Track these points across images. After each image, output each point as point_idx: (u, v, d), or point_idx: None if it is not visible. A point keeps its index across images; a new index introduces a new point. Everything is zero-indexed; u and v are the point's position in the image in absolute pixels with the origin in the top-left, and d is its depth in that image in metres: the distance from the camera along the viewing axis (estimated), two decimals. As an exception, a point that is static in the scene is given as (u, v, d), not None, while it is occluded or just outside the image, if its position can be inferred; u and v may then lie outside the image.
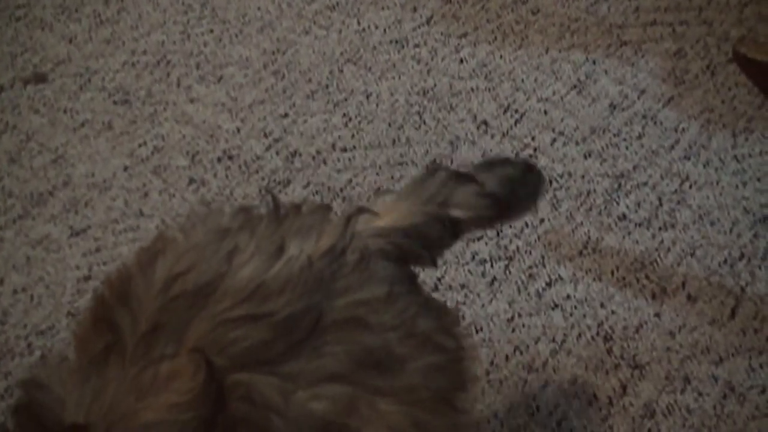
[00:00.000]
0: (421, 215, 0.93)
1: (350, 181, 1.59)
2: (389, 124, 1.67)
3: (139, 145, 1.67)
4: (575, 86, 1.72)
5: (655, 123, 1.65)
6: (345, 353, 0.81)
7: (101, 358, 0.78)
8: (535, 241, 1.48)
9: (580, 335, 1.37)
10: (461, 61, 1.78)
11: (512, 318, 1.39)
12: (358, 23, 1.86)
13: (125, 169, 1.64)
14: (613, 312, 1.39)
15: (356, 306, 0.84)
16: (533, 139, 1.63)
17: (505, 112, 1.68)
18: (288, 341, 0.80)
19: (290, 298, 0.81)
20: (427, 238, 0.93)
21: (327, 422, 0.80)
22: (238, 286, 0.81)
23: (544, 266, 1.45)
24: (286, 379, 0.79)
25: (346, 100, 1.72)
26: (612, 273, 1.44)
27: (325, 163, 1.62)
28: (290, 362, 0.80)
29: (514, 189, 0.99)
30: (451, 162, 1.61)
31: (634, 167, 1.58)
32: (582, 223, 1.51)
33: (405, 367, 0.85)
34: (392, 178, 1.59)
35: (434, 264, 0.95)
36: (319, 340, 0.81)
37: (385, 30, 1.84)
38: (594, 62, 1.76)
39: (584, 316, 1.39)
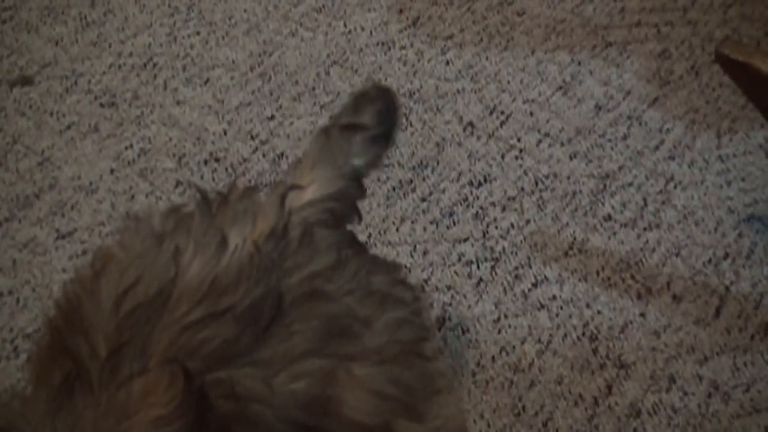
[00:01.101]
0: (341, 179, 0.97)
1: (337, 182, 1.59)
2: (376, 126, 1.68)
3: (126, 148, 1.67)
4: (561, 87, 1.72)
5: (640, 124, 1.66)
6: (312, 329, 0.82)
7: (65, 390, 0.77)
8: (521, 242, 1.49)
9: (566, 335, 1.37)
10: (447, 62, 1.78)
11: (498, 319, 1.40)
12: (345, 25, 1.87)
13: (112, 171, 1.64)
14: (598, 312, 1.40)
15: (311, 279, 0.84)
16: (519, 140, 1.64)
17: (491, 113, 1.69)
18: (255, 330, 0.80)
19: (247, 287, 0.81)
20: (350, 197, 0.98)
21: (310, 398, 0.81)
22: (192, 286, 0.80)
23: (530, 267, 1.46)
24: (263, 367, 0.79)
25: (332, 102, 1.73)
26: (597, 273, 1.45)
27: (311, 164, 1.62)
28: (262, 350, 0.80)
29: (388, 120, 1.05)
30: (438, 163, 1.61)
31: (620, 168, 1.59)
32: (568, 223, 1.51)
33: (371, 327, 0.86)
34: (378, 179, 1.59)
35: (360, 217, 1.00)
36: (284, 321, 0.81)
37: (371, 32, 1.85)
38: (579, 63, 1.76)
39: (570, 316, 1.39)
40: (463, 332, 1.38)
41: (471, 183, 1.58)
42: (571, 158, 1.61)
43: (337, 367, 0.82)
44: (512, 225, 1.52)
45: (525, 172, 1.59)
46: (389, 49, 1.82)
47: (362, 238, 1.45)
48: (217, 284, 0.80)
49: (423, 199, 1.56)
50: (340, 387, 0.82)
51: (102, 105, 1.75)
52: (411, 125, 1.68)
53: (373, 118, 1.03)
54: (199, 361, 0.77)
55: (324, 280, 0.85)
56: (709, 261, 1.45)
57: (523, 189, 1.57)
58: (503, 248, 1.48)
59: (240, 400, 0.78)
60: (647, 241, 1.48)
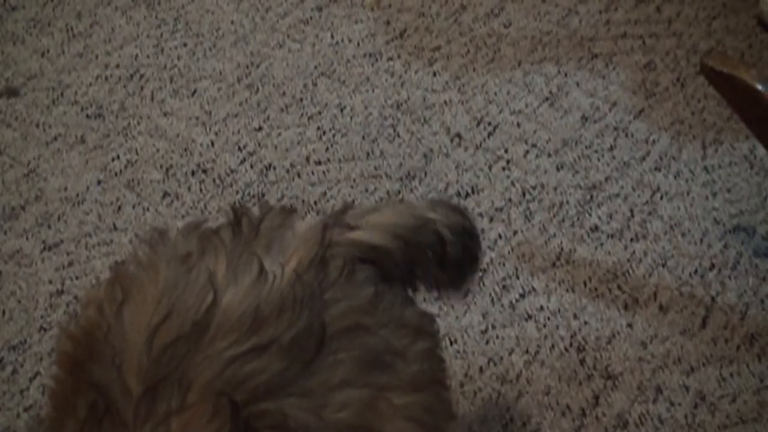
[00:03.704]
0: (404, 234, 0.93)
1: (324, 194, 1.59)
2: (363, 137, 1.68)
3: (113, 159, 1.67)
4: (547, 99, 1.73)
5: (626, 135, 1.67)
6: (352, 359, 0.81)
7: (92, 425, 0.74)
8: (509, 252, 1.49)
9: (553, 346, 1.38)
10: (434, 74, 1.79)
11: (486, 330, 1.40)
12: (332, 37, 1.87)
13: (98, 183, 1.63)
14: (585, 323, 1.40)
15: (352, 313, 0.84)
16: (506, 151, 1.65)
17: (478, 124, 1.70)
18: (301, 361, 0.78)
19: (290, 318, 0.79)
20: (406, 257, 0.93)
21: (354, 428, 0.80)
22: (232, 317, 0.78)
23: (517, 278, 1.46)
24: (310, 398, 0.78)
25: (320, 113, 1.73)
26: (585, 284, 1.45)
27: (299, 176, 1.62)
28: (307, 380, 0.79)
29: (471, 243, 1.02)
30: (425, 174, 1.61)
31: (606, 179, 1.60)
32: (555, 234, 1.52)
33: (404, 358, 0.86)
34: (366, 190, 1.59)
35: (414, 287, 0.95)
36: (327, 352, 0.80)
37: (358, 43, 1.85)
38: (566, 75, 1.77)
39: (557, 327, 1.40)
40: (451, 343, 1.38)
41: (458, 194, 1.58)
42: (558, 169, 1.62)
43: (377, 398, 0.82)
44: (500, 236, 1.52)
45: (512, 183, 1.60)
46: (376, 60, 1.82)
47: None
48: (260, 315, 0.78)
49: (410, 210, 1.56)
50: (381, 417, 0.82)
51: (88, 116, 1.75)
52: (398, 136, 1.68)
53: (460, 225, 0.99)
54: (245, 395, 0.75)
55: (365, 315, 0.84)
56: (696, 272, 1.46)
57: (510, 200, 1.57)
58: (491, 259, 1.49)
59: (287, 430, 0.76)
60: (634, 252, 1.49)
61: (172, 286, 0.79)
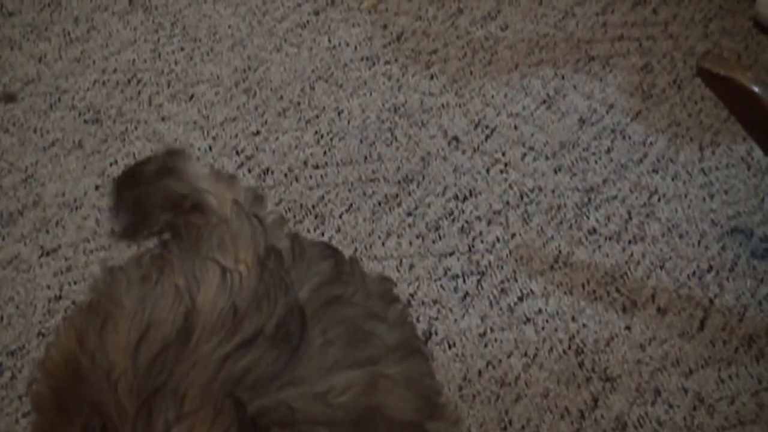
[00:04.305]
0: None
1: (322, 197, 1.59)
2: (361, 141, 1.68)
3: (110, 164, 1.67)
4: (545, 101, 1.73)
5: (623, 137, 1.67)
6: (338, 335, 0.81)
7: None
8: (507, 255, 1.49)
9: (551, 349, 1.38)
10: (432, 77, 1.79)
11: (485, 333, 1.40)
12: (329, 41, 1.87)
13: (96, 188, 1.63)
14: (584, 325, 1.40)
15: (323, 287, 0.84)
16: (504, 154, 1.65)
17: (475, 127, 1.70)
18: (289, 347, 0.78)
19: (269, 307, 0.79)
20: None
21: (358, 409, 0.80)
22: (212, 318, 0.78)
23: (515, 281, 1.46)
24: (310, 385, 0.78)
25: (317, 117, 1.73)
26: (583, 286, 1.45)
27: (297, 180, 1.62)
28: (301, 366, 0.78)
29: None
30: (423, 178, 1.61)
31: (604, 181, 1.60)
32: (553, 237, 1.52)
33: (386, 321, 0.86)
34: (364, 194, 1.59)
35: None
36: (311, 334, 0.80)
37: (356, 47, 1.85)
38: (563, 77, 1.77)
39: (556, 329, 1.40)
40: (450, 346, 1.38)
41: (456, 197, 1.58)
42: (555, 172, 1.62)
43: (375, 374, 0.82)
44: (498, 239, 1.52)
45: (510, 186, 1.60)
46: (374, 64, 1.82)
47: (348, 252, 1.46)
48: (239, 311, 0.78)
49: (409, 214, 1.56)
50: (381, 392, 0.82)
51: (86, 121, 1.75)
52: (396, 140, 1.68)
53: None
54: (246, 391, 0.75)
55: (335, 285, 0.84)
56: (694, 274, 1.46)
57: (508, 203, 1.57)
58: (489, 262, 1.49)
59: (299, 423, 0.76)
60: (632, 254, 1.49)
61: (141, 304, 0.79)
